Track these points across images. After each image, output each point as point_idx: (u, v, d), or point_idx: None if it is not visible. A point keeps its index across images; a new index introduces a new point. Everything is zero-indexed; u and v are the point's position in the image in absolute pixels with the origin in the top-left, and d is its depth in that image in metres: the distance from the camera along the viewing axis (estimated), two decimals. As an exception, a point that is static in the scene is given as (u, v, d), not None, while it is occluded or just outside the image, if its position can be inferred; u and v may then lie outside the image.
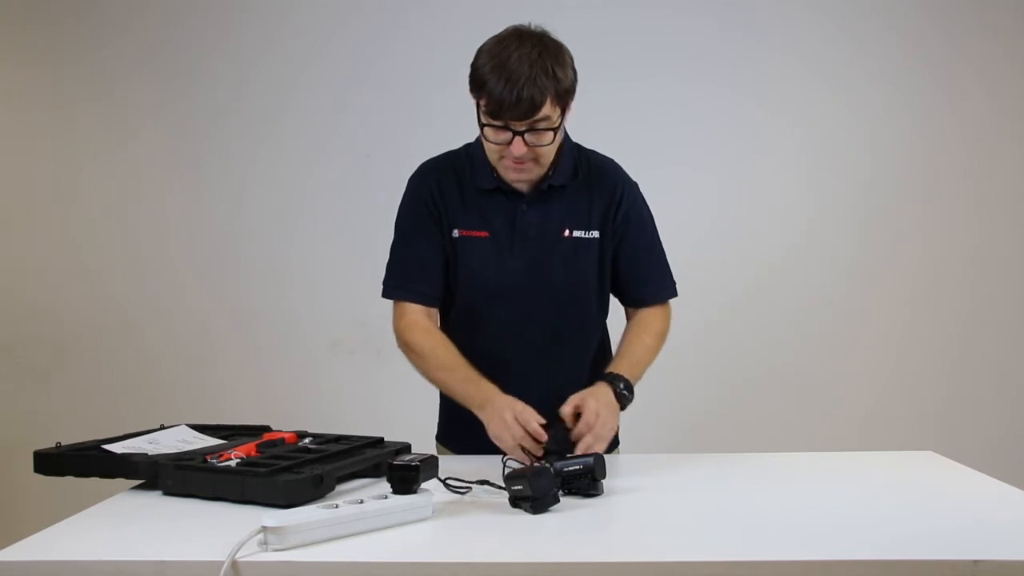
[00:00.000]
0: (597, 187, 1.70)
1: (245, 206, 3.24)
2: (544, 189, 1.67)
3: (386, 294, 1.73)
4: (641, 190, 1.77)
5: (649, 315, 1.74)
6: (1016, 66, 3.22)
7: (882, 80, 3.21)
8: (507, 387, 1.57)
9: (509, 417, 1.48)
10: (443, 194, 1.69)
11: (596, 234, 1.70)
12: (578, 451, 1.47)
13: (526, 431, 1.47)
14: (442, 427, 1.86)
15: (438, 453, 1.79)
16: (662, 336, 1.73)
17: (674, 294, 1.78)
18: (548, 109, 1.50)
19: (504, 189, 1.67)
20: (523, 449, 1.47)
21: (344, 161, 3.23)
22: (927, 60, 3.21)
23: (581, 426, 1.49)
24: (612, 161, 1.77)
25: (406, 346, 1.69)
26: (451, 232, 1.69)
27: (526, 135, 1.51)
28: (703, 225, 3.13)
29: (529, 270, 1.68)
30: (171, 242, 3.25)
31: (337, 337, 3.21)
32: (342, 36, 3.22)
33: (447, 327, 1.76)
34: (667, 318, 1.77)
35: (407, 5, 3.22)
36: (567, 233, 1.68)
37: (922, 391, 3.23)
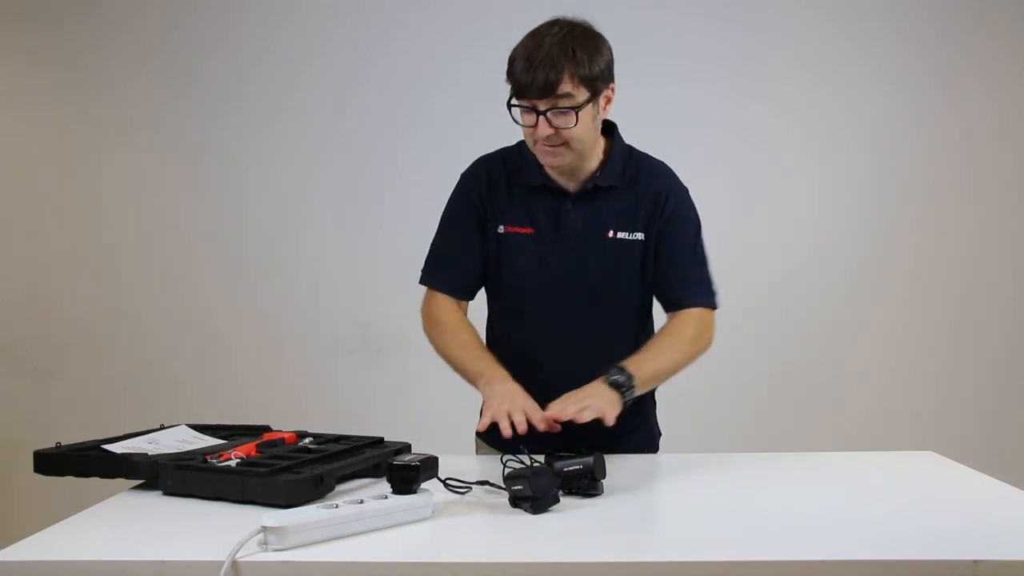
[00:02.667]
0: (644, 188, 1.70)
1: (245, 206, 3.24)
2: (590, 189, 1.67)
3: (421, 281, 1.76)
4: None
5: (679, 320, 1.68)
6: (1016, 66, 3.22)
7: (882, 80, 3.21)
8: (542, 387, 1.55)
9: (516, 405, 1.49)
10: (491, 189, 1.71)
11: (640, 236, 1.69)
12: (547, 411, 1.47)
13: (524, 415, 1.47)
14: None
15: (477, 451, 1.78)
16: (691, 342, 1.65)
17: (712, 303, 1.71)
18: (569, 88, 1.51)
19: (551, 187, 1.68)
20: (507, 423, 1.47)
21: (344, 161, 3.23)
22: (927, 60, 3.21)
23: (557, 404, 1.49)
24: (664, 164, 1.76)
25: (430, 319, 1.70)
26: (496, 228, 1.70)
27: (549, 115, 1.53)
28: (702, 226, 3.12)
29: (571, 270, 1.68)
30: (171, 242, 3.24)
31: (337, 337, 3.21)
32: (342, 36, 3.22)
33: (490, 328, 1.78)
34: (700, 325, 1.67)
35: (407, 5, 3.22)
36: (611, 234, 1.68)
37: (922, 391, 3.23)
